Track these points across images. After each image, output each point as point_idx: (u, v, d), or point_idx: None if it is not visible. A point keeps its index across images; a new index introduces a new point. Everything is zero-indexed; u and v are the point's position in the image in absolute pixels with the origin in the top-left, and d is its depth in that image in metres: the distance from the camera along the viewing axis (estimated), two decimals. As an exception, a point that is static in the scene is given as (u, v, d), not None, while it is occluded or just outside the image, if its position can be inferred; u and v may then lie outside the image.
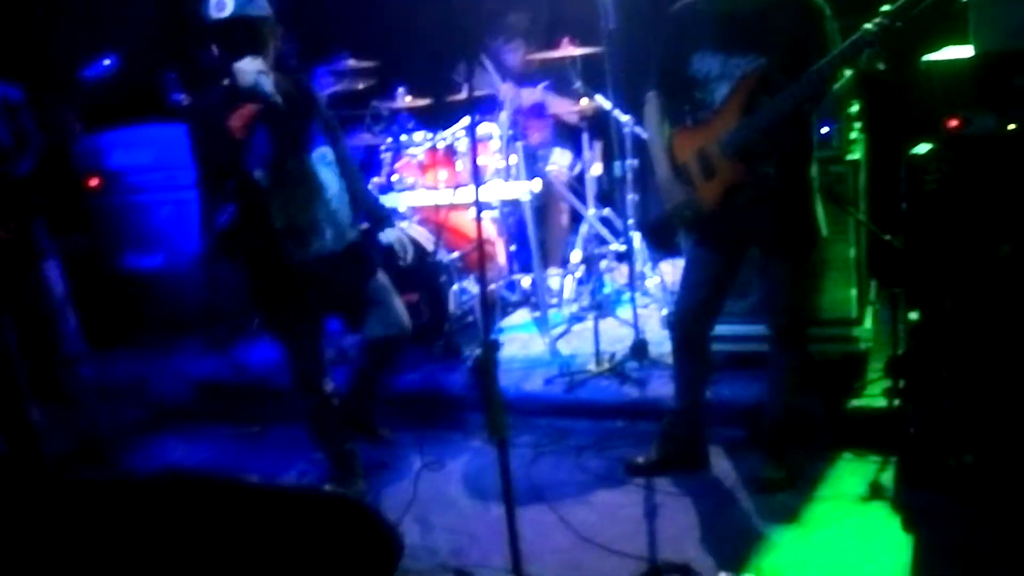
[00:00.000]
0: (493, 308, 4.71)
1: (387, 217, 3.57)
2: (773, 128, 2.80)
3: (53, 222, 3.81)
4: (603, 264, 4.71)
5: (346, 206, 3.33)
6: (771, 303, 3.10)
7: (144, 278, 5.42)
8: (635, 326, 4.04)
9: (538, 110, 5.08)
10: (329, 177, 3.27)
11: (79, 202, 5.46)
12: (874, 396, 3.40)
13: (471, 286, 4.57)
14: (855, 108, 3.62)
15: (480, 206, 2.74)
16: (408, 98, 4.89)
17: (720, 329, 3.32)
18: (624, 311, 4.46)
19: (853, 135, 3.60)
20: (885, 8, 2.59)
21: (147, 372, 4.87)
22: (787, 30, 2.76)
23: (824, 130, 3.42)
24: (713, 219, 2.98)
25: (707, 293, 3.10)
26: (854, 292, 3.55)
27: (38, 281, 3.63)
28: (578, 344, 4.38)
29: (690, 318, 3.15)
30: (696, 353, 3.21)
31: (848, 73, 3.15)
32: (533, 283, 4.78)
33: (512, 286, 4.91)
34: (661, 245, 4.68)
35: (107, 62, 3.66)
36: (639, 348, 3.98)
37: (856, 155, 3.56)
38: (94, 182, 5.47)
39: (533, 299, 4.84)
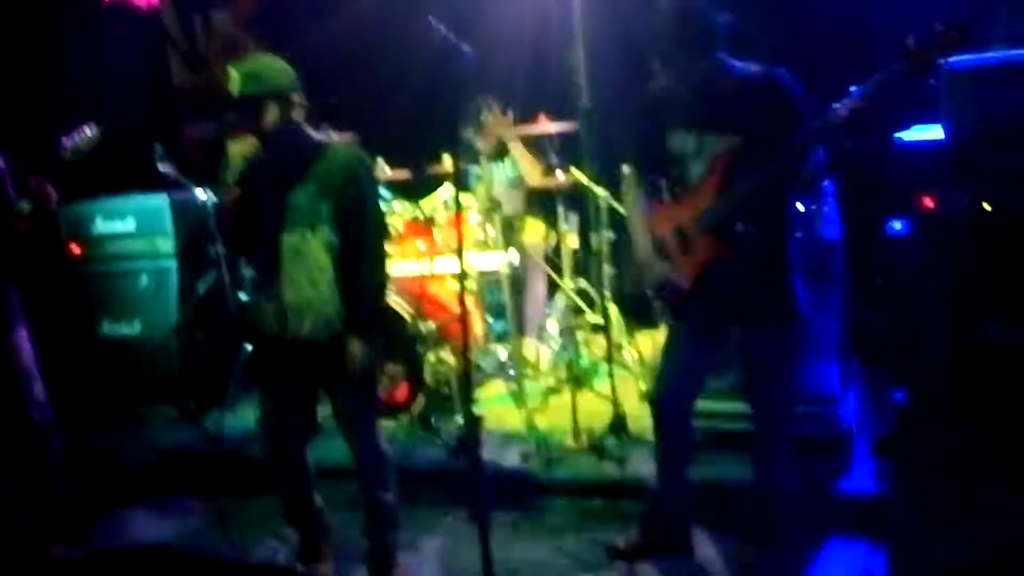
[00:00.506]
0: (467, 380, 4.51)
1: (364, 328, 2.97)
2: (749, 205, 2.71)
3: (32, 289, 3.64)
4: (580, 335, 4.53)
5: (332, 299, 2.94)
6: (754, 381, 2.94)
7: (120, 346, 5.20)
8: (613, 401, 3.84)
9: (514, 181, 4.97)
10: (310, 263, 2.92)
11: (60, 269, 5.27)
12: (862, 478, 3.21)
13: (448, 356, 4.38)
14: (829, 184, 3.51)
15: (463, 277, 2.57)
16: (386, 169, 4.75)
17: (701, 406, 3.16)
18: (602, 384, 4.27)
19: (827, 210, 3.49)
20: (854, 89, 2.53)
21: (119, 442, 4.65)
22: (759, 109, 2.70)
23: (801, 207, 3.30)
24: (693, 295, 2.86)
25: (688, 370, 2.97)
26: (836, 370, 3.38)
27: (7, 350, 3.43)
28: (555, 418, 4.18)
29: (671, 395, 3.01)
30: (678, 431, 3.05)
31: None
32: (509, 355, 4.59)
33: (488, 357, 4.71)
34: (638, 317, 4.53)
35: (89, 132, 3.52)
36: (618, 424, 3.79)
37: (832, 231, 3.44)
38: (76, 249, 5.31)
39: (509, 370, 4.65)
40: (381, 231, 3.04)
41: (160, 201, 5.03)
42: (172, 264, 5.08)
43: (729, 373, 3.36)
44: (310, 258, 2.90)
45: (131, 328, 5.19)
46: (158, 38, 6.78)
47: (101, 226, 5.25)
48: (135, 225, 5.17)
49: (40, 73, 5.65)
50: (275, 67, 2.93)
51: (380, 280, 3.00)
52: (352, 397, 3.06)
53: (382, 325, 3.11)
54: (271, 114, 2.86)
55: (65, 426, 3.73)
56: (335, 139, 3.12)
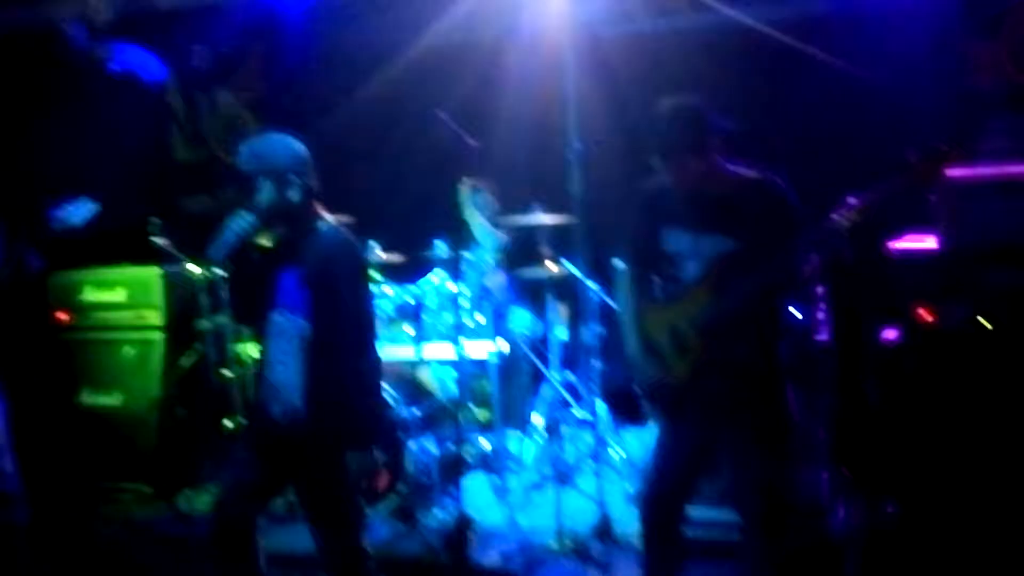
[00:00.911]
0: (451, 470, 4.29)
1: (362, 439, 2.75)
2: (743, 309, 2.61)
3: (14, 355, 3.65)
4: (565, 430, 4.33)
5: (296, 390, 2.75)
6: (744, 487, 2.76)
7: (100, 416, 4.96)
8: (599, 501, 3.62)
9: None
10: (286, 345, 2.77)
11: (45, 336, 5.10)
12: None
13: (430, 445, 4.16)
14: (821, 291, 3.40)
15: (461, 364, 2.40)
16: (380, 253, 4.64)
17: (692, 513, 2.93)
18: (586, 482, 4.05)
19: (819, 315, 3.36)
20: (852, 200, 2.46)
21: (90, 515, 4.43)
22: (754, 214, 2.62)
23: (794, 311, 3.17)
24: (685, 397, 2.72)
25: (679, 474, 2.79)
26: (826, 478, 3.20)
27: None
28: (538, 516, 3.94)
29: (661, 500, 2.81)
30: (667, 538, 2.84)
31: None
32: (493, 446, 4.38)
33: (471, 447, 4.49)
34: (626, 416, 4.34)
35: (81, 207, 3.44)
36: (603, 527, 3.55)
37: (824, 338, 3.30)
38: (63, 317, 5.14)
39: (492, 462, 4.43)
40: (362, 319, 2.80)
41: (151, 273, 4.92)
42: (159, 336, 4.92)
43: (720, 478, 3.16)
44: (287, 340, 2.76)
45: (112, 399, 4.99)
46: (162, 113, 6.79)
47: (90, 295, 5.11)
48: (125, 296, 5.02)
49: (44, 142, 5.60)
50: (276, 146, 2.84)
51: (358, 373, 2.73)
52: (323, 489, 2.82)
53: (372, 433, 2.84)
54: (267, 192, 2.76)
55: (36, 496, 3.58)
56: (330, 220, 2.96)
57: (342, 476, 2.76)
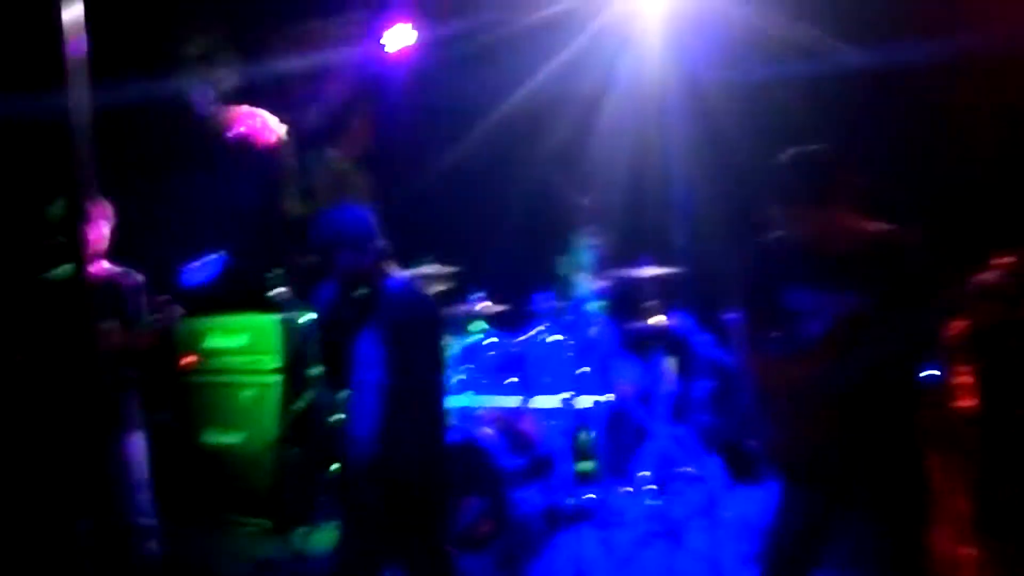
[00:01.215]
0: (552, 519, 4.19)
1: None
2: (872, 373, 2.40)
3: (147, 396, 3.69)
4: (673, 485, 4.15)
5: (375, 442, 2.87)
6: (876, 556, 2.53)
7: (221, 455, 5.15)
8: (712, 559, 3.43)
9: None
10: (368, 401, 2.87)
11: (173, 379, 5.32)
12: None
13: (534, 496, 4.06)
14: (965, 355, 3.14)
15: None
16: (487, 302, 4.66)
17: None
18: (696, 539, 3.85)
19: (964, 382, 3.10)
20: (1001, 261, 2.24)
21: (212, 549, 4.58)
22: (885, 273, 2.43)
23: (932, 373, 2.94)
24: (809, 458, 2.53)
25: (804, 539, 2.59)
26: (966, 552, 2.93)
27: (121, 451, 3.47)
28: (645, 573, 3.76)
29: (786, 564, 2.62)
30: None
31: None
32: (598, 499, 4.24)
33: (573, 498, 4.37)
34: (738, 472, 4.14)
35: (208, 263, 3.61)
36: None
37: (968, 404, 3.05)
38: (189, 360, 5.34)
39: (596, 516, 4.30)
40: (436, 373, 2.93)
41: (270, 321, 5.09)
42: (276, 380, 5.06)
43: (848, 543, 2.93)
44: (369, 396, 2.86)
45: (233, 438, 5.15)
46: (276, 172, 7.07)
47: (214, 341, 5.32)
48: (245, 342, 5.21)
49: (175, 202, 5.90)
50: (348, 216, 2.99)
51: (432, 421, 2.87)
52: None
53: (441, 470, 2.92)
54: (344, 260, 2.88)
55: (162, 529, 3.71)
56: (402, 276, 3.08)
57: (431, 525, 2.84)
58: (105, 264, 3.63)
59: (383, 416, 2.81)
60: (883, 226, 2.50)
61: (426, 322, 2.92)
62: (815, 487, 2.57)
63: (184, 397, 5.32)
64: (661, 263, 4.39)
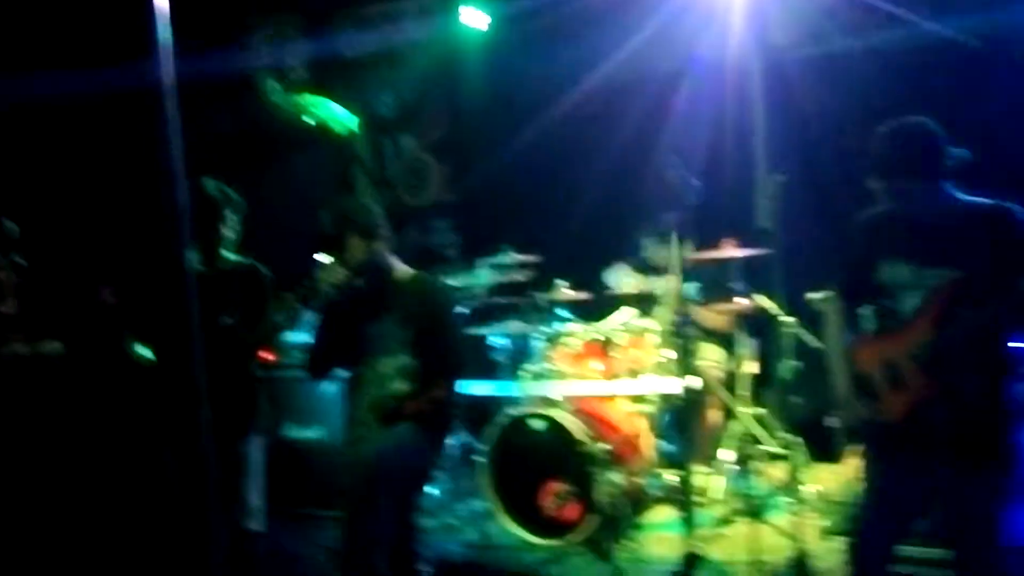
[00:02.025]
0: (637, 502, 4.58)
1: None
2: (969, 343, 2.62)
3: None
4: (755, 465, 4.51)
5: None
6: (960, 530, 2.76)
7: (301, 449, 5.58)
8: (794, 536, 3.79)
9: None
10: (386, 388, 3.34)
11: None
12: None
13: (619, 479, 4.47)
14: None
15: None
16: (566, 290, 5.00)
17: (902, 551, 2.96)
18: (777, 518, 4.21)
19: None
20: None
21: (297, 543, 4.90)
22: (986, 245, 2.63)
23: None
24: (898, 434, 2.76)
25: (891, 513, 2.82)
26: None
27: (240, 452, 3.65)
28: (728, 549, 4.13)
29: (871, 539, 2.85)
30: None
31: None
32: (681, 481, 4.62)
33: (657, 481, 4.77)
34: (821, 451, 4.46)
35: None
36: (800, 562, 3.70)
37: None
38: (268, 356, 5.81)
39: (678, 496, 4.68)
40: (457, 357, 3.35)
41: None
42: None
43: (935, 516, 3.23)
44: (390, 382, 3.28)
45: (313, 433, 5.58)
46: (350, 160, 7.51)
47: (292, 335, 5.69)
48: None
49: (250, 196, 6.36)
50: (360, 206, 3.45)
51: (433, 408, 3.30)
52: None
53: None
54: (356, 248, 3.30)
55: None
56: (407, 270, 3.47)
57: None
58: (233, 257, 3.69)
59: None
60: (981, 199, 2.69)
61: (447, 310, 3.40)
62: (905, 464, 2.76)
63: (266, 392, 5.80)
64: (745, 244, 4.66)
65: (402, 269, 3.46)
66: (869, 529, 2.86)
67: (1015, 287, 2.53)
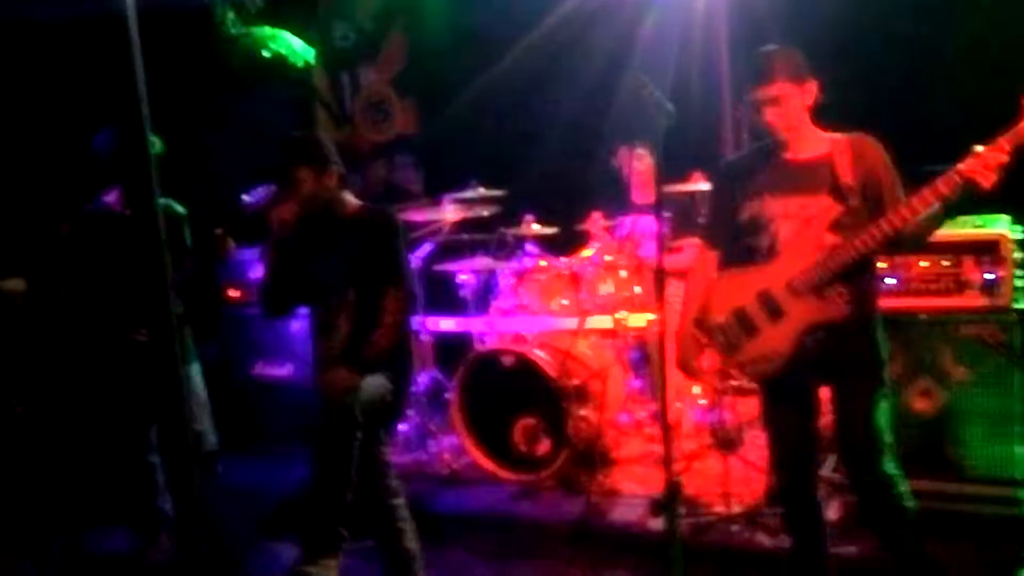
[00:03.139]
0: (610, 438, 4.54)
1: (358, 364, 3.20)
2: (847, 268, 2.66)
3: (195, 329, 3.98)
4: (726, 399, 4.47)
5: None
6: (846, 434, 2.80)
7: (271, 387, 5.48)
8: (765, 469, 3.76)
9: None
10: (338, 324, 3.24)
11: (218, 312, 5.63)
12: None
13: (590, 414, 4.41)
14: (1020, 255, 3.38)
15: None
16: (535, 225, 4.88)
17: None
18: (749, 451, 4.19)
19: (1020, 284, 3.36)
20: (978, 148, 2.45)
21: (268, 478, 4.86)
22: (854, 173, 2.68)
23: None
24: (784, 366, 2.76)
25: (803, 452, 2.90)
26: (1019, 450, 3.23)
27: (183, 381, 3.68)
28: (700, 483, 4.12)
29: (795, 485, 2.93)
30: (810, 517, 2.96)
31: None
32: (652, 414, 4.59)
33: (629, 417, 4.72)
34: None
35: (267, 191, 3.82)
36: (772, 493, 3.68)
37: (1022, 304, 3.32)
38: (235, 293, 5.64)
39: (649, 431, 4.65)
40: (400, 293, 3.21)
41: None
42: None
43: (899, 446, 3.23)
44: (339, 318, 3.19)
45: (281, 369, 5.46)
46: (307, 94, 7.24)
47: (257, 272, 5.58)
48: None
49: (206, 131, 6.11)
50: (312, 139, 3.35)
51: (388, 343, 3.17)
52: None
53: (374, 367, 3.20)
54: (306, 182, 3.16)
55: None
56: (355, 203, 3.35)
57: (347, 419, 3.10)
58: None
59: (361, 328, 3.16)
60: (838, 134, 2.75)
61: (393, 245, 3.23)
62: (792, 394, 2.83)
63: (231, 330, 5.60)
64: (711, 178, 4.60)
65: (352, 203, 3.29)
66: (790, 476, 2.93)
67: (894, 213, 2.57)
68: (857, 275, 2.70)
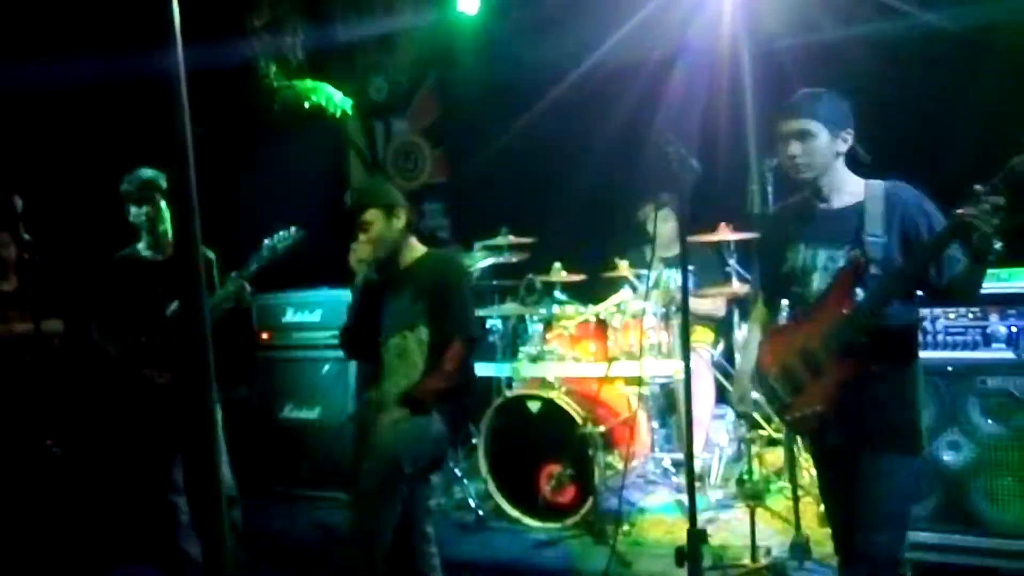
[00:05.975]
0: (635, 487, 4.50)
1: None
2: (875, 318, 2.53)
3: (223, 372, 3.92)
4: (753, 449, 4.41)
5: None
6: (866, 508, 2.60)
7: (299, 430, 5.48)
8: (796, 521, 3.70)
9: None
10: (408, 361, 3.22)
11: (250, 355, 5.65)
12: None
13: (616, 461, 4.37)
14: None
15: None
16: (563, 273, 4.90)
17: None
18: (775, 501, 4.12)
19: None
20: (978, 187, 2.32)
21: (290, 521, 4.87)
22: (885, 222, 2.58)
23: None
24: (827, 424, 2.64)
25: (848, 499, 2.71)
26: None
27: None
28: (726, 535, 4.05)
29: (845, 529, 2.76)
30: None
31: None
32: (678, 464, 4.54)
33: (654, 464, 4.67)
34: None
35: (289, 234, 3.86)
36: (799, 546, 3.62)
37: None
38: (265, 336, 5.69)
39: (675, 479, 4.59)
40: (467, 333, 3.25)
41: (345, 295, 5.32)
42: (354, 354, 5.35)
43: (929, 499, 3.17)
44: (409, 356, 3.20)
45: (310, 413, 5.46)
46: (342, 143, 7.37)
47: (290, 316, 5.61)
48: (321, 316, 5.48)
49: (246, 177, 6.22)
50: (384, 184, 3.49)
51: (445, 386, 3.19)
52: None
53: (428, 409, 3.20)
54: (375, 224, 3.23)
55: (245, 501, 3.98)
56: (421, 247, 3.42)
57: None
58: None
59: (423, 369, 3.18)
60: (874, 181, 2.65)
61: (460, 286, 3.29)
62: (836, 454, 2.69)
63: (262, 372, 5.62)
64: (739, 228, 4.60)
65: (418, 247, 3.38)
66: (841, 528, 2.77)
67: (912, 254, 2.49)
68: (886, 330, 2.57)
